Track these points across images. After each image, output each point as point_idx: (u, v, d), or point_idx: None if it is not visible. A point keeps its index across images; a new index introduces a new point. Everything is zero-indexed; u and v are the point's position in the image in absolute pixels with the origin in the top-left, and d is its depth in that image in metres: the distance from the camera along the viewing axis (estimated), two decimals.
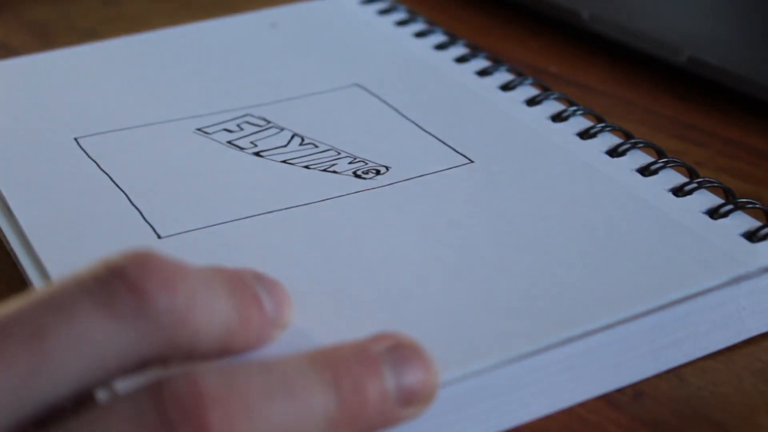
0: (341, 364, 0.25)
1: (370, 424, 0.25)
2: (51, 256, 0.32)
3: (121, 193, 0.36)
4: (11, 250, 0.33)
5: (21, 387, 0.21)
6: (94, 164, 0.38)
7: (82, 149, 0.39)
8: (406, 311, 0.30)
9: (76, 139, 0.40)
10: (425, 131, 0.40)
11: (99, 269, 0.23)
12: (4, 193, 0.36)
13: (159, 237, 0.33)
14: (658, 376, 0.31)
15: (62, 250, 0.32)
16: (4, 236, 0.34)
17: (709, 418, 0.29)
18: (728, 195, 0.36)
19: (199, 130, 0.40)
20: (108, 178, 0.37)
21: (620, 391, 0.30)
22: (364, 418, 0.25)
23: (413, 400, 0.25)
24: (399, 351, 0.26)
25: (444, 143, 0.39)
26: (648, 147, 0.39)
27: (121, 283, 0.23)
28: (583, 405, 0.30)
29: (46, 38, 0.55)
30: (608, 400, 0.30)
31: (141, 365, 0.23)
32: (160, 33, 0.50)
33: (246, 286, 0.26)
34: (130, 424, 0.22)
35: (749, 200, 0.35)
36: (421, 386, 0.25)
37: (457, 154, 0.39)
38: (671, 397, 0.30)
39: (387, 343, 0.26)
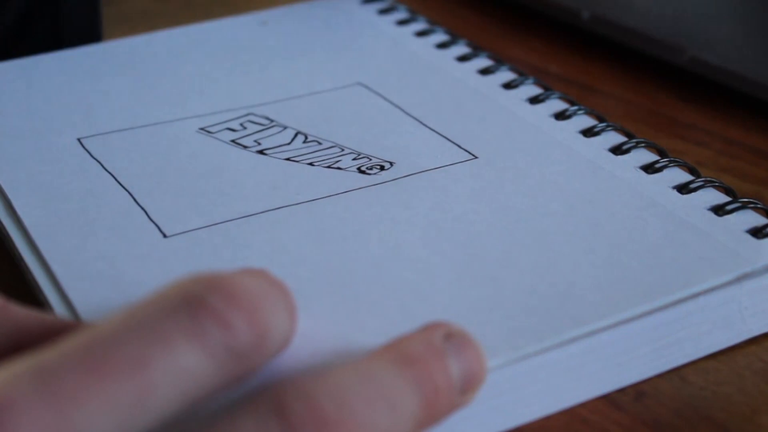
0: (420, 361, 0.25)
1: (439, 416, 0.25)
2: (56, 256, 0.32)
3: (126, 192, 0.36)
4: (16, 251, 0.33)
5: (124, 418, 0.21)
6: (98, 164, 0.38)
7: (86, 149, 0.39)
8: (412, 307, 0.30)
9: (79, 139, 0.40)
10: (428, 128, 0.41)
11: (181, 296, 0.23)
12: (9, 195, 0.36)
13: (165, 236, 0.33)
14: (660, 376, 0.31)
15: (67, 250, 0.32)
16: (9, 237, 0.34)
17: (710, 418, 0.29)
18: (730, 195, 0.36)
19: (202, 129, 0.41)
20: (112, 178, 0.37)
21: (621, 391, 0.30)
22: (438, 411, 0.25)
23: (470, 387, 0.26)
24: (455, 339, 0.26)
25: (448, 139, 0.40)
26: (650, 147, 0.39)
27: (208, 316, 0.23)
28: (584, 405, 0.30)
29: None
30: (609, 400, 0.30)
31: (219, 393, 0.24)
32: (163, 33, 0.50)
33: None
34: None
35: (751, 200, 0.35)
36: (476, 372, 0.26)
37: (461, 150, 0.39)
38: (673, 397, 0.30)
39: (443, 332, 0.26)
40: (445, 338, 0.26)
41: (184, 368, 0.22)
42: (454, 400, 0.26)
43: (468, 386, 0.26)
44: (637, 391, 0.30)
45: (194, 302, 0.23)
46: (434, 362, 0.25)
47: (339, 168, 0.38)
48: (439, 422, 0.25)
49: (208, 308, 0.23)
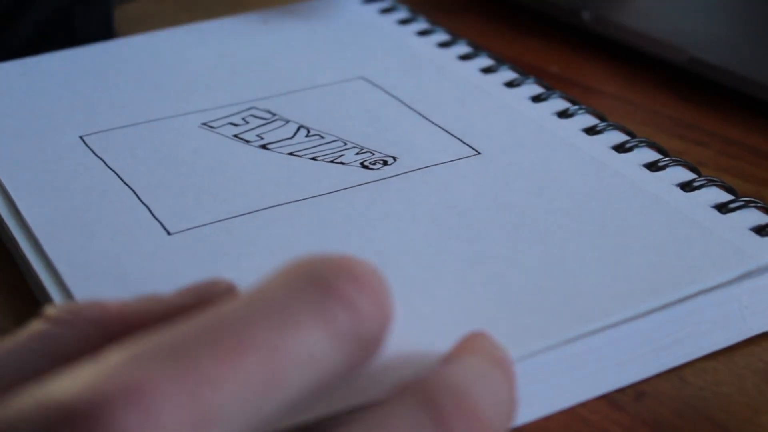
0: (498, 359, 0.25)
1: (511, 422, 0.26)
2: (61, 254, 0.32)
3: (129, 189, 0.36)
4: (20, 249, 0.33)
5: (255, 401, 0.21)
6: (101, 161, 0.38)
7: (88, 147, 0.39)
8: (415, 303, 0.30)
9: (81, 137, 0.40)
10: (432, 122, 0.41)
11: (307, 277, 0.23)
12: (12, 193, 0.36)
13: (168, 233, 0.33)
14: (659, 376, 0.31)
15: (71, 248, 0.32)
16: (13, 236, 0.34)
17: (710, 419, 0.29)
18: (731, 194, 0.36)
19: (204, 124, 0.41)
20: (115, 175, 0.37)
21: (621, 391, 0.30)
22: (513, 416, 0.26)
23: None
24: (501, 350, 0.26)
25: (451, 134, 0.40)
26: (652, 146, 0.39)
27: (336, 301, 0.23)
28: (584, 405, 0.30)
29: None
30: (609, 400, 0.30)
31: (339, 381, 0.24)
32: (164, 32, 0.50)
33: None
34: None
35: (751, 199, 0.35)
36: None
37: (465, 146, 0.39)
38: (672, 397, 0.30)
39: (492, 342, 0.26)
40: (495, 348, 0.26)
41: (312, 353, 0.22)
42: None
43: None
44: (637, 391, 0.30)
45: (322, 285, 0.23)
46: (501, 371, 0.25)
47: (342, 163, 0.38)
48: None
49: (336, 292, 0.23)
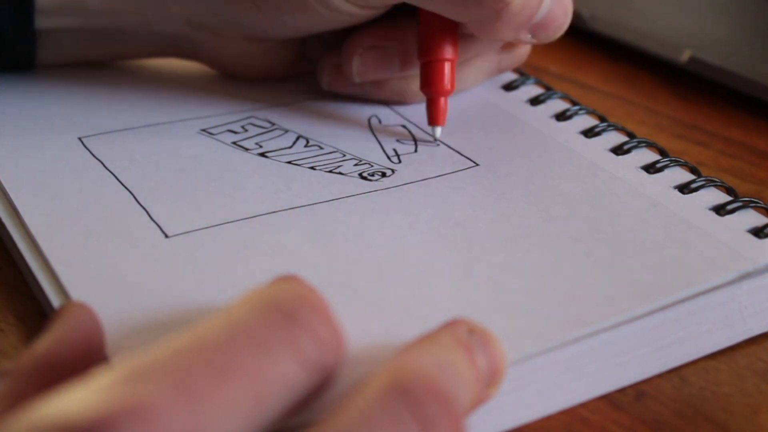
0: (461, 346, 0.26)
1: (475, 407, 0.26)
2: (59, 255, 0.32)
3: (127, 192, 0.36)
4: (18, 251, 0.33)
5: (245, 420, 0.22)
6: (100, 164, 0.38)
7: (87, 149, 0.39)
8: (413, 310, 0.30)
9: (80, 138, 0.40)
10: (430, 135, 0.41)
11: (275, 306, 0.24)
12: (10, 194, 0.36)
13: (166, 236, 0.33)
14: (660, 376, 0.31)
15: (69, 249, 0.32)
16: (11, 236, 0.34)
17: (710, 419, 0.29)
18: (731, 194, 0.36)
19: (203, 131, 0.41)
20: (114, 178, 0.37)
21: (622, 391, 0.30)
22: (476, 400, 0.26)
23: (494, 381, 0.27)
24: (478, 334, 0.27)
25: (449, 147, 0.40)
26: (650, 147, 0.39)
27: (301, 330, 0.24)
28: (584, 405, 0.30)
29: None
30: (610, 400, 0.30)
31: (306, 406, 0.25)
32: None
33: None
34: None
35: (751, 199, 0.35)
36: (500, 367, 0.27)
37: (463, 158, 0.39)
38: (673, 397, 0.30)
39: (466, 327, 0.27)
40: (469, 333, 0.26)
41: (286, 377, 0.23)
42: (482, 393, 0.26)
43: (492, 380, 0.27)
44: (637, 391, 0.30)
45: (287, 314, 0.24)
46: (464, 354, 0.26)
47: (340, 173, 0.38)
48: (472, 413, 0.26)
49: (301, 321, 0.24)
